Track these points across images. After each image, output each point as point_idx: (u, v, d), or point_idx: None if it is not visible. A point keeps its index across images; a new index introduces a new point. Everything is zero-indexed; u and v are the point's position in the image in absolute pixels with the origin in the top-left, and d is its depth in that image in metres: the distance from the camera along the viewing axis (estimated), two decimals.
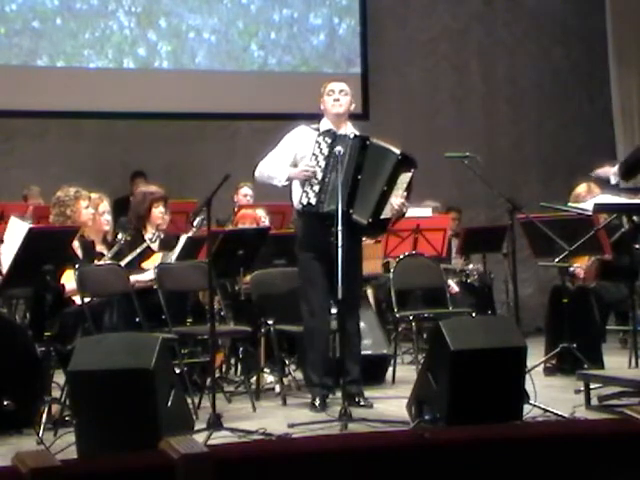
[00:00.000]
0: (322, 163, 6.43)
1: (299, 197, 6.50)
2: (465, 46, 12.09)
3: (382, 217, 6.49)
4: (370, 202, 6.41)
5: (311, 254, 6.52)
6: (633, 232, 7.26)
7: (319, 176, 6.43)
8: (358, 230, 6.54)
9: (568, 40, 12.29)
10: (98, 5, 10.80)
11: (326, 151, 6.44)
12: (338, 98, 6.62)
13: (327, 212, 6.33)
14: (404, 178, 6.50)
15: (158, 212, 7.45)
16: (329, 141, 6.45)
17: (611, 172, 7.24)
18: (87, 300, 6.51)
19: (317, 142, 6.47)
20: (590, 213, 7.03)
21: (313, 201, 6.42)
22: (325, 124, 6.64)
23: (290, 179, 6.55)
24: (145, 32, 11.01)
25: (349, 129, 6.66)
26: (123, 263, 6.96)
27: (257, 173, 6.71)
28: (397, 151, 6.50)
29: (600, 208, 7.06)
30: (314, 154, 6.46)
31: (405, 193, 6.51)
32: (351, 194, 6.33)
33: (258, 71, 11.39)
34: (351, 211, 6.33)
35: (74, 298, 6.62)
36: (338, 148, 6.31)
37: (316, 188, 6.42)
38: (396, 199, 6.47)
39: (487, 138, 11.88)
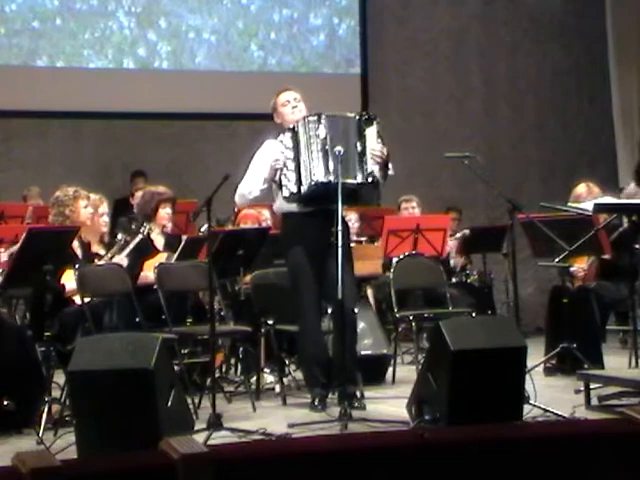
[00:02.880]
0: (290, 155, 6.48)
1: (281, 194, 6.53)
2: (465, 46, 12.08)
3: (369, 171, 6.47)
4: (353, 164, 6.44)
5: (299, 256, 6.53)
6: (633, 232, 7.25)
7: (291, 167, 6.46)
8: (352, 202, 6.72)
9: (568, 40, 12.29)
10: (98, 5, 10.80)
11: (290, 143, 6.49)
12: (296, 105, 6.68)
13: (307, 190, 6.38)
14: (370, 131, 6.54)
15: (164, 213, 7.47)
16: (289, 135, 6.52)
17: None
18: (87, 300, 6.51)
19: (280, 141, 6.55)
20: (590, 213, 7.03)
21: (294, 189, 6.46)
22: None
23: (266, 180, 6.56)
24: (145, 32, 11.01)
25: None
26: (124, 254, 6.99)
27: (237, 198, 6.73)
28: (352, 114, 6.60)
29: (600, 208, 7.06)
30: (281, 152, 6.51)
31: (379, 141, 6.54)
32: (326, 165, 6.37)
33: (258, 71, 11.39)
34: (337, 180, 6.31)
35: (74, 298, 6.62)
36: (338, 148, 6.32)
37: (292, 177, 6.47)
38: (372, 149, 6.49)
39: (487, 138, 11.87)
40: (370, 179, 6.50)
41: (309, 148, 6.42)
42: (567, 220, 7.24)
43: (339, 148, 6.32)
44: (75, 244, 6.75)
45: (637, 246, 7.15)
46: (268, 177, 6.56)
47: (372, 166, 6.50)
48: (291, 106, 6.68)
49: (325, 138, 6.41)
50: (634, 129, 12.00)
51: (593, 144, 12.20)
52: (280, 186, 6.52)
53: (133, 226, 7.66)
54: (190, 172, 10.37)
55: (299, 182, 6.44)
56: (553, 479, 3.33)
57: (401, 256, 8.16)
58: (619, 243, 7.47)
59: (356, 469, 3.26)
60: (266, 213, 8.50)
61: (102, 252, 7.09)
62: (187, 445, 3.18)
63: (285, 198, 6.50)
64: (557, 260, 7.21)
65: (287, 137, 6.53)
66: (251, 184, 6.61)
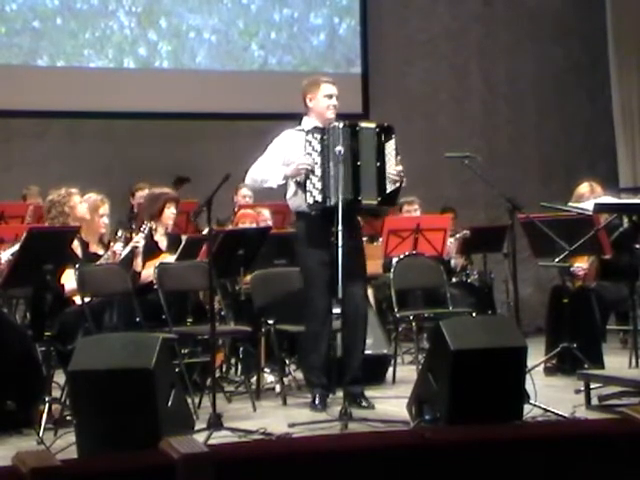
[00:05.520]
0: (317, 159, 6.42)
1: (304, 198, 6.47)
2: (465, 46, 12.08)
3: (388, 191, 6.50)
4: (372, 183, 6.45)
5: (315, 257, 6.49)
6: (633, 232, 7.25)
7: (318, 172, 6.41)
8: (357, 222, 6.67)
9: (568, 40, 12.28)
10: (98, 5, 10.80)
11: (318, 147, 6.43)
12: (335, 104, 6.63)
13: (334, 205, 6.30)
14: (389, 147, 6.53)
15: (170, 213, 7.50)
16: (318, 137, 6.44)
17: None
18: (87, 300, 6.51)
19: (307, 140, 6.45)
20: (590, 213, 7.03)
21: (319, 198, 6.40)
22: (310, 123, 6.62)
23: (287, 177, 6.54)
24: (145, 32, 11.01)
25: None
26: (122, 246, 7.03)
27: (249, 180, 6.72)
28: (372, 125, 6.56)
29: (600, 208, 7.06)
30: (308, 153, 6.43)
31: (398, 159, 6.53)
32: (355, 181, 6.37)
33: (258, 71, 11.39)
34: (360, 198, 6.38)
35: (74, 298, 6.63)
36: (338, 148, 6.28)
37: (319, 185, 6.40)
38: (391, 169, 6.49)
39: (487, 138, 11.87)
40: (387, 200, 6.53)
41: (337, 159, 6.28)
42: (567, 220, 7.24)
43: (339, 148, 6.29)
44: (75, 243, 6.75)
45: (637, 246, 7.15)
46: (290, 175, 6.51)
47: (390, 186, 6.50)
48: (332, 104, 6.61)
49: (354, 150, 6.36)
50: (634, 129, 12.00)
51: (593, 144, 12.20)
52: (304, 188, 6.45)
53: (134, 225, 7.68)
54: (191, 172, 10.35)
55: (324, 193, 6.36)
56: (553, 479, 3.33)
57: (401, 256, 8.17)
58: (619, 243, 7.47)
59: (356, 469, 3.26)
60: (266, 213, 8.51)
61: (101, 252, 7.08)
62: (187, 445, 3.18)
63: (309, 205, 6.44)
64: (557, 260, 7.21)
65: (315, 138, 6.44)
66: (268, 174, 6.56)
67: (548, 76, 12.25)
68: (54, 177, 8.91)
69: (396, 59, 11.81)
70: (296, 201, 6.60)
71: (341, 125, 6.44)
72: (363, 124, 6.58)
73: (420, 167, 11.10)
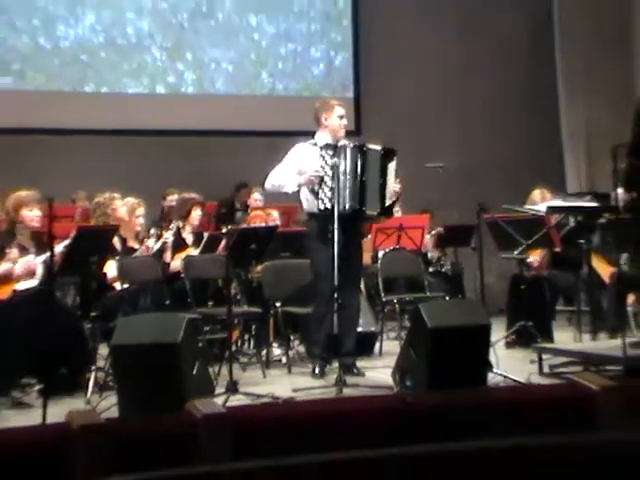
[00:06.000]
0: (329, 172, 6.39)
1: (316, 203, 6.44)
2: (444, 72, 12.05)
3: (387, 204, 6.51)
4: (375, 196, 6.42)
5: (323, 252, 6.48)
6: (578, 230, 7.28)
7: (330, 184, 6.37)
8: (360, 226, 6.67)
9: (534, 63, 12.23)
10: (136, 41, 10.81)
11: (330, 162, 6.41)
12: (346, 124, 6.65)
13: (340, 211, 6.30)
14: (391, 167, 6.52)
15: (196, 214, 7.51)
16: (331, 153, 6.42)
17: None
18: (125, 286, 6.52)
19: (321, 155, 6.42)
20: (543, 214, 7.06)
21: (329, 205, 6.37)
22: (322, 138, 6.59)
23: (300, 185, 6.53)
24: (174, 63, 11.01)
25: (344, 140, 6.64)
26: (154, 241, 7.06)
27: (268, 185, 6.69)
28: (378, 147, 6.51)
29: (553, 210, 7.09)
30: (321, 166, 6.41)
31: (397, 179, 6.54)
32: (361, 194, 6.35)
33: (268, 95, 11.39)
34: (364, 208, 6.36)
35: (115, 285, 6.64)
36: (334, 160, 6.30)
37: (329, 194, 6.37)
38: (392, 186, 6.51)
39: (464, 149, 11.81)
40: (385, 212, 6.54)
41: (346, 174, 6.30)
42: (525, 220, 7.26)
43: (334, 160, 6.30)
44: (115, 239, 6.77)
45: (581, 241, 7.17)
46: (304, 183, 6.47)
47: (389, 201, 6.50)
48: (343, 123, 6.61)
49: (362, 167, 6.34)
50: (580, 145, 12.00)
51: (546, 157, 12.18)
52: (316, 195, 6.42)
53: (164, 224, 7.69)
54: (211, 180, 10.34)
55: (333, 201, 6.31)
56: (511, 433, 3.35)
57: (387, 250, 8.18)
58: (567, 239, 7.49)
59: (349, 427, 3.28)
60: (275, 214, 8.49)
61: (137, 246, 7.09)
62: (209, 406, 3.20)
63: (320, 210, 6.41)
64: (516, 253, 7.24)
65: (328, 154, 6.39)
66: (285, 181, 6.52)
67: (513, 99, 12.19)
68: (99, 183, 8.90)
69: (383, 85, 11.79)
70: (309, 204, 6.57)
71: (351, 145, 6.43)
72: (371, 146, 6.51)
73: (405, 175, 11.09)
